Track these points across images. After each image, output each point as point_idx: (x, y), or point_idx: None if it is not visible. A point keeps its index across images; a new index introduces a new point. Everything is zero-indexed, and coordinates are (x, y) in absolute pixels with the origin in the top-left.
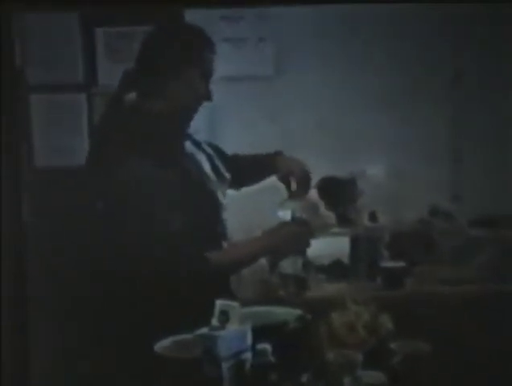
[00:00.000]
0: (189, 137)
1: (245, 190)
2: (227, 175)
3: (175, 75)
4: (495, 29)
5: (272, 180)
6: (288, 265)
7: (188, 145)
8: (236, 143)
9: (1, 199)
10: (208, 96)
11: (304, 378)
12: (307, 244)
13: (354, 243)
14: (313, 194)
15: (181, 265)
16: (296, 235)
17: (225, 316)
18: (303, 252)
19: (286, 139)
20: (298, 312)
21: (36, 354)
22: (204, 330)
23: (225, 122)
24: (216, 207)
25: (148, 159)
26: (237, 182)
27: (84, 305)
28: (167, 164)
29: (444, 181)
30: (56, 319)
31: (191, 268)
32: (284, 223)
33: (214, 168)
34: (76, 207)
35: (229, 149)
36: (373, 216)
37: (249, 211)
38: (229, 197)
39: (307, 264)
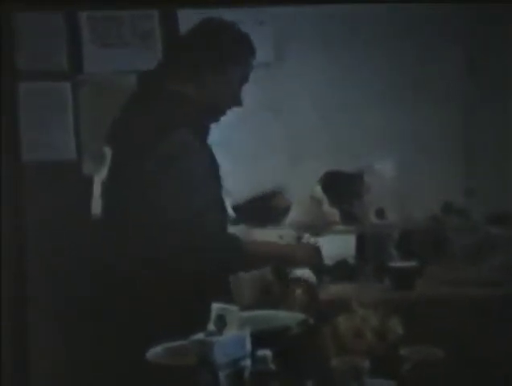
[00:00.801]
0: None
1: None
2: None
3: (219, 71)
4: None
5: None
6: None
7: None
8: (235, 132)
9: (0, 200)
10: (239, 102)
11: None
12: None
13: (360, 241)
14: (317, 189)
15: (208, 243)
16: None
17: (222, 320)
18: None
19: (288, 130)
20: (300, 316)
21: (36, 354)
22: (199, 336)
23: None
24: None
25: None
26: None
27: (83, 305)
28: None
29: (457, 176)
30: (56, 319)
31: (223, 247)
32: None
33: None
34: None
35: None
36: (380, 213)
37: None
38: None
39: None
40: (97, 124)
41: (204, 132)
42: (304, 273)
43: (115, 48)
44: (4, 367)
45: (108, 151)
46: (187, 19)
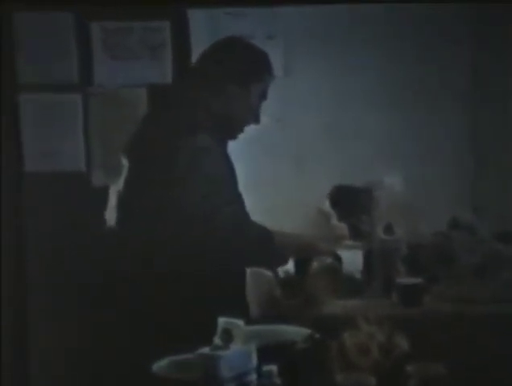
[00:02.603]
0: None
1: None
2: None
3: (241, 86)
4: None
5: None
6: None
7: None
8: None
9: (1, 201)
10: (258, 119)
11: None
12: None
13: (368, 257)
14: (325, 204)
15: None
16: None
17: (228, 335)
18: None
19: (297, 143)
20: (307, 331)
21: (36, 354)
22: (205, 350)
23: None
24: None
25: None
26: None
27: (84, 305)
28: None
29: (465, 191)
30: (56, 319)
31: (255, 241)
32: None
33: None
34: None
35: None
36: (389, 229)
37: None
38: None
39: None
40: (109, 135)
41: (223, 143)
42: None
43: (126, 60)
44: (4, 367)
45: (125, 162)
46: (199, 32)
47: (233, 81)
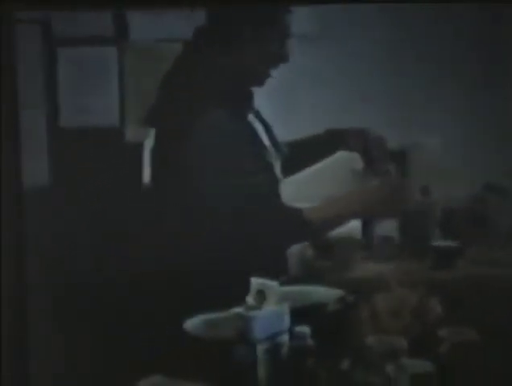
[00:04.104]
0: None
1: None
2: (284, 151)
3: (251, 35)
4: None
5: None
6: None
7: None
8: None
9: (1, 198)
10: (285, 58)
11: (344, 364)
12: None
13: (403, 218)
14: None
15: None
16: (389, 197)
17: (261, 295)
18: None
19: (331, 103)
20: (339, 293)
21: (36, 354)
22: (238, 310)
23: None
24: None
25: (221, 113)
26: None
27: (87, 303)
28: (238, 121)
29: (500, 155)
30: (56, 319)
31: (283, 218)
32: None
33: (272, 139)
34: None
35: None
36: (425, 191)
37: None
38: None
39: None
40: (145, 91)
41: (245, 104)
42: None
43: (162, 14)
44: (4, 367)
45: (151, 131)
46: None
47: (251, 31)
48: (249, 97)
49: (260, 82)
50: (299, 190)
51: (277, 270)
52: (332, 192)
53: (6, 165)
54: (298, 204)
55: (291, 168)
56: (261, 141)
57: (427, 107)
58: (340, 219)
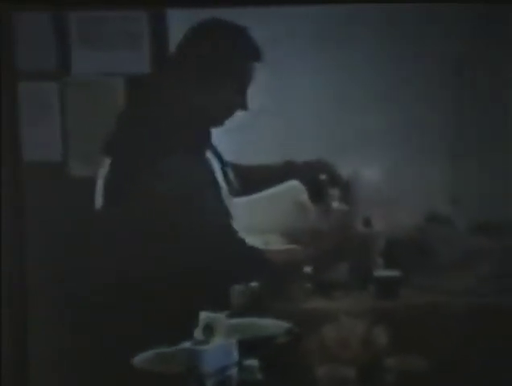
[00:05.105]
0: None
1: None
2: (235, 183)
3: (227, 73)
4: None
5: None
6: None
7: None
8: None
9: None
10: (245, 105)
11: None
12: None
13: (347, 249)
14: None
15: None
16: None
17: (209, 329)
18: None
19: (275, 134)
20: (286, 325)
21: (36, 353)
22: (186, 344)
23: None
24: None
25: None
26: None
27: (83, 305)
28: (195, 162)
29: (443, 184)
30: (56, 319)
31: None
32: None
33: (225, 174)
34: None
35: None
36: (367, 222)
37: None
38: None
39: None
40: (87, 125)
41: (205, 142)
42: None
43: (103, 50)
44: (4, 367)
45: (106, 160)
46: (177, 21)
47: (218, 68)
48: (206, 143)
49: (221, 122)
50: (244, 214)
51: (225, 303)
52: (274, 221)
53: None
54: (240, 231)
55: (241, 191)
56: (215, 179)
57: (368, 136)
58: (295, 263)
